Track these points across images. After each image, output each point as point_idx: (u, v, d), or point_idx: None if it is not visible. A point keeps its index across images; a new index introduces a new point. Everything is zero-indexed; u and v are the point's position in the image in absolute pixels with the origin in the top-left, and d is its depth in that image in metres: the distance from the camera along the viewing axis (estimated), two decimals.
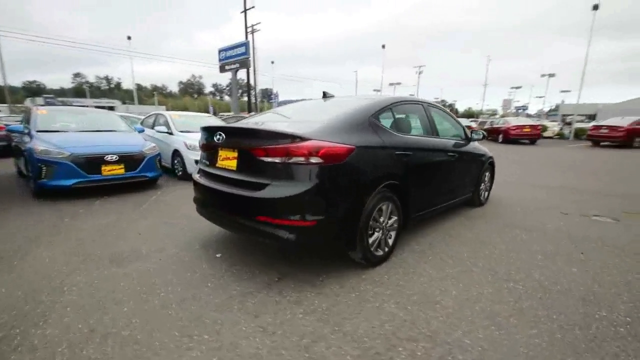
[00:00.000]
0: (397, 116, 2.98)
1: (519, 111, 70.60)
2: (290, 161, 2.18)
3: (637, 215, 4.31)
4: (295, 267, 2.66)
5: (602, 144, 16.23)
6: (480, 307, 2.16)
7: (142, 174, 5.32)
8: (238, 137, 2.48)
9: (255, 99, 31.02)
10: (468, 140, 4.21)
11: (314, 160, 2.16)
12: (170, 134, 6.96)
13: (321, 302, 2.18)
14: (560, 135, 22.19)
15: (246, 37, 27.70)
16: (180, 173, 6.59)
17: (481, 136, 4.41)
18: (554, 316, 2.07)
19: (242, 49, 24.77)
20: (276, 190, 2.19)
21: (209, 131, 2.84)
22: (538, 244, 3.30)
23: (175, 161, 6.74)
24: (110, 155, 4.89)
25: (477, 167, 4.39)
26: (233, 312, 2.06)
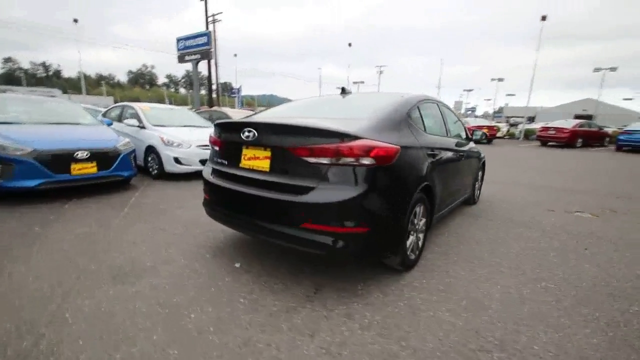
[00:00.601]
0: (423, 115, 2.90)
1: (468, 112, 76.10)
2: (340, 162, 1.98)
3: (612, 212, 4.71)
4: (327, 276, 2.48)
5: (549, 143, 17.87)
6: (528, 309, 2.15)
7: (117, 173, 4.74)
8: (273, 135, 2.22)
9: (218, 93, 29.67)
10: (469, 139, 4.28)
11: (365, 161, 1.99)
12: (143, 128, 6.31)
13: (373, 314, 2.03)
14: (511, 136, 24.07)
15: (207, 27, 26.34)
16: (156, 172, 6.00)
17: (479, 136, 4.52)
18: (596, 314, 2.12)
19: (204, 39, 23.56)
20: (325, 194, 1.98)
21: (228, 127, 2.54)
22: (544, 241, 3.44)
23: (150, 158, 6.13)
24: (80, 152, 4.26)
25: (475, 166, 4.50)
26: (283, 332, 1.83)
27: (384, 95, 3.04)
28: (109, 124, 5.85)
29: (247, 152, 2.36)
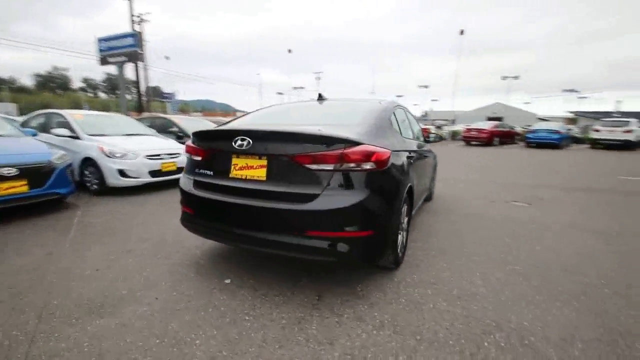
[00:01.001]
0: (398, 120, 3.07)
1: None
2: (343, 167, 2.01)
3: (540, 200, 5.50)
4: (323, 282, 2.47)
5: (472, 143, 20.09)
6: (509, 291, 2.40)
7: (53, 191, 4.10)
8: (270, 142, 2.14)
9: (148, 98, 27.40)
10: (426, 141, 4.64)
11: (367, 165, 2.04)
12: (76, 138, 5.56)
13: (381, 314, 2.08)
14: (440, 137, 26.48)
15: (132, 27, 24.22)
16: (96, 187, 5.33)
17: (432, 138, 4.91)
18: (559, 288, 2.46)
19: (131, 41, 21.67)
20: (331, 200, 1.98)
21: (214, 136, 2.40)
22: (496, 228, 3.87)
23: (88, 172, 5.42)
24: (6, 168, 3.60)
25: (433, 165, 4.88)
26: (302, 344, 1.78)
27: (363, 101, 3.15)
28: (34, 135, 5.04)
29: (238, 162, 2.25)
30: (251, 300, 2.20)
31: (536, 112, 57.63)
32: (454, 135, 24.86)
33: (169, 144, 6.31)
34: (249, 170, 2.20)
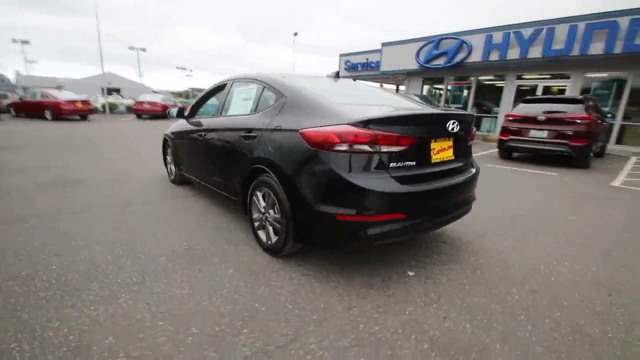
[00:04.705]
0: None
1: None
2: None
3: None
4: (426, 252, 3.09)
5: (143, 116, 19.12)
6: None
7: None
8: (460, 124, 2.37)
9: None
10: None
11: None
12: None
13: (495, 246, 3.26)
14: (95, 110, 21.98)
15: None
16: None
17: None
18: None
19: None
20: (475, 165, 2.79)
21: (420, 120, 2.22)
22: None
23: None
24: None
25: None
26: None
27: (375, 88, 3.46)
28: None
29: (435, 146, 2.30)
30: (477, 278, 2.50)
31: (151, 85, 60.92)
32: (112, 109, 21.71)
33: None
34: (442, 152, 2.37)
